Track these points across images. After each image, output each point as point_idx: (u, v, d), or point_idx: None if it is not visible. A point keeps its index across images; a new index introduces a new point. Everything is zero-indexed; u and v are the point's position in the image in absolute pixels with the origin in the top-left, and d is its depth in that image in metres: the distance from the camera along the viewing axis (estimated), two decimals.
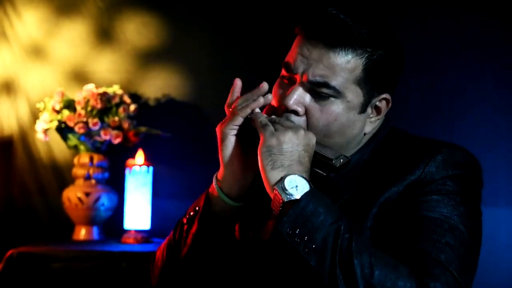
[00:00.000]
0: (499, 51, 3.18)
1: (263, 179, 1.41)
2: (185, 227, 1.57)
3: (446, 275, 1.32)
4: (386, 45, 1.50)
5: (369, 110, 1.54)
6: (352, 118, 1.51)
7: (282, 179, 1.37)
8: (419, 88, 3.16)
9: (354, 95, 1.49)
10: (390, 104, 1.56)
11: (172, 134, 3.29)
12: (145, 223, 3.13)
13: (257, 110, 1.50)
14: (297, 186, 1.36)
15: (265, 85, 1.50)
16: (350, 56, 1.47)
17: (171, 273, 1.61)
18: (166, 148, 3.32)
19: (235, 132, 1.49)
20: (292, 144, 1.40)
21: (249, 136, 1.48)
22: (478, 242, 1.45)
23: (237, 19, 3.36)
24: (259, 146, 1.42)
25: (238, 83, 1.53)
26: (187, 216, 1.58)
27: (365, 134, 1.56)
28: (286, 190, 1.36)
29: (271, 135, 1.41)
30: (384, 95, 1.54)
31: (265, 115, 1.48)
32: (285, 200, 1.35)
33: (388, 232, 1.43)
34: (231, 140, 1.49)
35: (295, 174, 1.38)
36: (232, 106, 1.49)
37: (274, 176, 1.38)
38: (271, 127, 1.43)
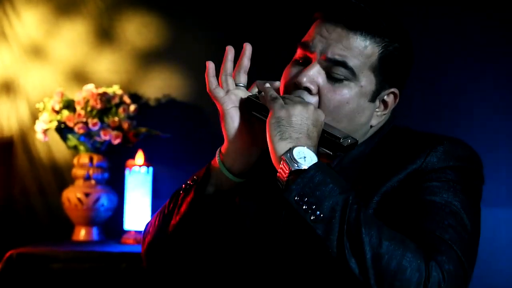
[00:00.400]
0: (499, 51, 3.18)
1: (270, 151, 1.40)
2: (181, 195, 1.57)
3: (451, 252, 1.32)
4: (402, 39, 1.52)
5: (377, 102, 1.55)
6: (362, 105, 1.51)
7: (290, 150, 1.36)
8: (419, 88, 3.16)
9: (368, 81, 1.51)
10: (397, 100, 1.57)
11: (172, 134, 3.29)
12: (145, 224, 3.07)
13: (267, 85, 1.50)
14: (305, 157, 1.35)
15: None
16: (368, 42, 1.49)
17: (161, 240, 1.59)
18: (166, 148, 3.32)
19: (237, 103, 1.49)
20: (302, 117, 1.40)
21: (257, 112, 1.48)
22: (478, 232, 1.44)
23: (238, 19, 3.36)
24: (268, 118, 1.41)
25: (230, 49, 1.52)
26: (185, 185, 1.58)
27: (371, 126, 1.57)
28: (295, 159, 1.34)
29: (280, 107, 1.40)
30: (393, 89, 1.56)
31: (274, 91, 1.48)
32: (293, 169, 1.34)
33: (389, 218, 1.41)
34: (233, 113, 1.49)
35: (304, 146, 1.37)
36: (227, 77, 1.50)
37: (282, 146, 1.37)
38: (280, 100, 1.42)
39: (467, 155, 1.50)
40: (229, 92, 1.50)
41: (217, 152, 1.53)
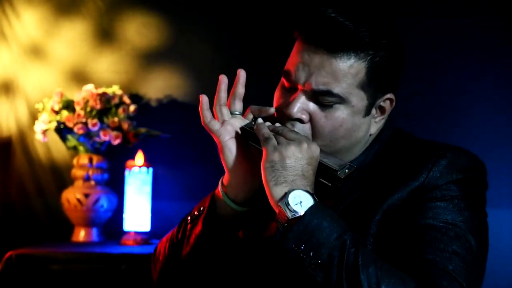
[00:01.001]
0: (499, 51, 3.17)
1: (267, 194, 1.40)
2: (189, 226, 1.57)
3: (454, 286, 1.31)
4: (388, 45, 1.48)
5: (373, 111, 1.53)
6: (357, 122, 1.50)
7: (286, 195, 1.36)
8: (419, 88, 3.15)
9: (358, 99, 1.48)
10: (394, 103, 1.55)
11: (172, 135, 3.28)
12: (144, 225, 3.12)
13: (260, 120, 1.49)
14: (301, 202, 1.35)
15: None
16: (352, 61, 1.45)
17: (172, 270, 1.60)
18: (166, 149, 3.31)
19: (233, 134, 1.49)
20: (295, 159, 1.39)
21: (254, 142, 1.48)
22: (485, 248, 1.43)
23: (239, 19, 3.35)
24: (262, 161, 1.41)
25: (224, 79, 1.51)
26: (192, 215, 1.58)
27: (370, 134, 1.55)
28: (290, 206, 1.35)
29: (273, 150, 1.40)
30: (388, 95, 1.53)
31: (267, 124, 1.48)
32: (290, 217, 1.34)
33: (392, 240, 1.41)
34: (231, 145, 1.49)
35: (299, 189, 1.37)
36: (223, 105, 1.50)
37: (278, 191, 1.38)
38: (273, 141, 1.42)
39: (470, 165, 1.48)
40: (225, 122, 1.50)
41: (220, 183, 1.54)
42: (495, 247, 2.91)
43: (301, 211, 1.34)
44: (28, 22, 3.39)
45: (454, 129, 3.15)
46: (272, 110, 1.52)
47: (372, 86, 1.49)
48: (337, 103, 1.47)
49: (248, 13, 3.35)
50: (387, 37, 1.48)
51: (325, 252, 1.31)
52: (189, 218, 1.58)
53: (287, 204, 1.35)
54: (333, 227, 1.33)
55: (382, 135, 1.57)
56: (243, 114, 1.54)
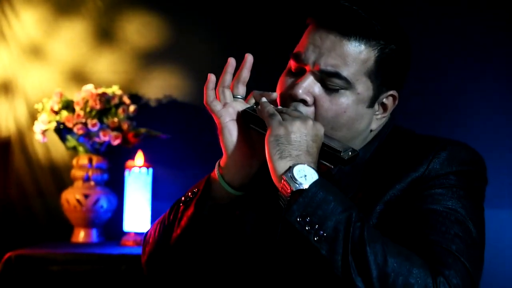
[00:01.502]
0: (499, 51, 3.18)
1: (270, 169, 1.38)
2: (181, 207, 1.55)
3: (458, 265, 1.32)
4: (398, 40, 1.50)
5: (376, 106, 1.54)
6: (360, 112, 1.50)
7: (290, 169, 1.34)
8: (420, 88, 3.15)
9: (364, 87, 1.49)
10: (396, 102, 1.56)
11: (172, 135, 3.28)
12: (144, 226, 3.11)
13: (264, 99, 1.49)
14: (306, 176, 1.34)
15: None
16: (363, 47, 1.47)
17: (161, 253, 1.59)
18: (166, 149, 3.31)
19: (234, 116, 1.48)
20: (301, 134, 1.38)
21: (255, 125, 1.47)
22: (483, 237, 1.44)
23: (239, 19, 3.35)
24: (266, 136, 1.40)
25: (232, 62, 1.50)
26: (185, 198, 1.57)
27: (371, 131, 1.56)
28: (295, 179, 1.33)
29: (278, 125, 1.39)
30: (391, 92, 1.54)
31: (271, 105, 1.46)
32: (294, 189, 1.33)
33: (393, 229, 1.41)
34: (231, 126, 1.48)
35: (304, 163, 1.35)
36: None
37: (282, 165, 1.36)
38: (278, 117, 1.41)
39: (469, 158, 1.49)
40: (227, 105, 1.49)
41: (216, 165, 1.53)
42: (495, 247, 2.96)
43: (305, 184, 1.33)
44: (28, 22, 3.39)
45: (454, 129, 3.16)
46: (274, 95, 1.51)
47: (379, 77, 1.50)
48: (343, 88, 1.47)
49: (248, 13, 3.35)
50: (398, 32, 1.51)
51: (330, 225, 1.30)
52: (182, 199, 1.57)
53: (292, 177, 1.33)
54: (339, 201, 1.32)
55: (382, 132, 1.58)
56: (245, 99, 1.54)
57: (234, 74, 1.52)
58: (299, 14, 1.56)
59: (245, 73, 1.51)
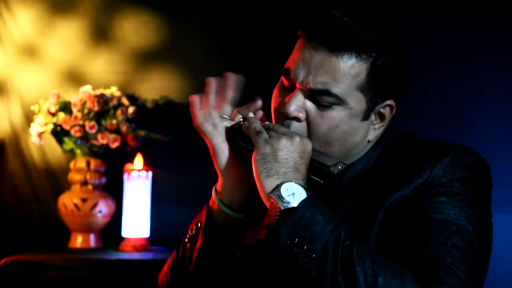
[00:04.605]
0: (506, 53, 3.16)
1: (258, 188, 1.39)
2: (188, 245, 1.56)
3: (453, 278, 1.29)
4: (391, 49, 1.48)
5: (372, 117, 1.53)
6: (354, 126, 1.49)
7: (278, 187, 1.35)
8: (425, 92, 3.14)
9: (357, 102, 1.48)
10: (394, 111, 1.55)
11: (171, 137, 3.26)
12: (144, 230, 3.10)
13: (251, 114, 1.49)
14: (294, 194, 1.34)
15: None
16: (353, 61, 1.45)
17: None
18: (166, 152, 3.30)
19: (225, 137, 1.49)
20: (288, 151, 1.39)
21: (242, 142, 1.47)
22: (488, 245, 1.42)
23: (238, 19, 3.34)
24: (253, 154, 1.41)
25: (211, 81, 1.51)
26: (189, 234, 1.57)
27: (368, 141, 1.55)
28: (283, 198, 1.33)
29: (265, 143, 1.40)
30: (388, 102, 1.53)
31: (258, 121, 1.48)
32: (282, 208, 1.33)
33: (395, 236, 1.40)
34: (224, 147, 1.48)
35: (291, 181, 1.36)
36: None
37: (269, 184, 1.36)
38: (265, 134, 1.42)
39: (474, 163, 1.47)
40: (216, 125, 1.50)
41: (213, 191, 1.54)
42: (503, 253, 2.94)
43: (294, 203, 1.32)
44: (23, 21, 3.37)
45: (459, 135, 3.13)
46: (259, 102, 1.53)
47: (372, 90, 1.48)
48: (335, 104, 1.46)
49: (246, 14, 3.34)
50: (392, 41, 1.48)
51: (319, 246, 1.29)
52: (186, 237, 1.58)
53: (279, 196, 1.33)
54: (327, 220, 1.32)
55: (383, 138, 1.57)
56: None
57: (216, 92, 1.53)
58: (292, 23, 1.55)
59: (230, 93, 1.52)
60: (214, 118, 1.50)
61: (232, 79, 1.51)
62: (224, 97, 1.52)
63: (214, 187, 1.53)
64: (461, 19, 3.17)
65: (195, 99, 1.50)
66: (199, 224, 1.54)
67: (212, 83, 1.51)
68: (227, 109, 1.52)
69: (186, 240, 1.57)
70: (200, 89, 1.52)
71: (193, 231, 1.56)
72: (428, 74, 3.14)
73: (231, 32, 3.33)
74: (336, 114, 1.46)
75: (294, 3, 3.21)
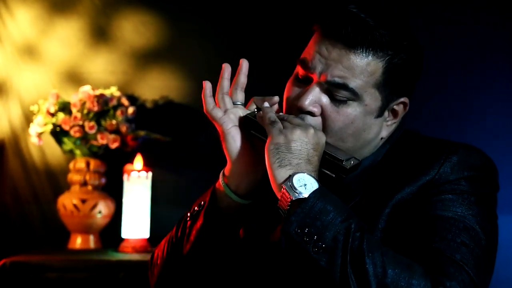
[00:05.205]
0: (508, 52, 3.16)
1: (270, 178, 1.39)
2: (189, 223, 1.56)
3: (462, 274, 1.31)
4: (408, 48, 1.49)
5: (386, 113, 1.54)
6: (368, 122, 1.50)
7: (290, 177, 1.35)
8: (432, 91, 3.12)
9: (372, 99, 1.49)
10: (407, 108, 1.56)
11: (172, 138, 3.25)
12: (143, 231, 3.09)
13: (266, 104, 1.49)
14: (306, 185, 1.34)
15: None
16: (370, 58, 1.46)
17: (172, 271, 1.59)
18: (166, 152, 3.29)
19: (236, 122, 1.49)
20: (301, 142, 1.39)
21: (256, 131, 1.47)
22: (494, 244, 1.43)
23: (238, 19, 3.34)
24: (266, 144, 1.41)
25: (227, 67, 1.52)
26: (191, 212, 1.57)
27: (381, 138, 1.55)
28: (295, 188, 1.34)
29: (279, 133, 1.40)
30: (402, 99, 1.54)
31: (273, 112, 1.48)
32: (293, 198, 1.33)
33: (400, 233, 1.41)
34: (235, 133, 1.48)
35: (304, 172, 1.36)
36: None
37: (282, 174, 1.37)
38: (279, 124, 1.42)
39: (481, 164, 1.48)
40: (227, 111, 1.50)
41: (221, 175, 1.53)
42: (508, 253, 2.92)
43: (305, 193, 1.33)
44: (22, 21, 3.36)
45: (459, 135, 3.10)
46: (276, 98, 1.53)
47: (388, 87, 1.49)
48: (351, 100, 1.47)
49: (247, 14, 3.33)
50: (408, 40, 1.49)
51: (329, 236, 1.30)
52: (188, 214, 1.57)
53: (291, 186, 1.34)
54: (338, 211, 1.32)
55: (393, 136, 1.58)
56: (245, 105, 1.54)
57: (230, 79, 1.53)
58: (303, 19, 1.58)
59: (242, 79, 1.53)
60: (227, 104, 1.50)
61: (246, 65, 1.51)
62: (237, 84, 1.52)
63: (222, 171, 1.52)
64: (461, 19, 3.17)
65: (207, 85, 1.50)
66: (202, 203, 1.54)
67: (228, 69, 1.51)
68: (240, 95, 1.52)
69: (188, 217, 1.56)
70: (200, 89, 1.52)
71: (196, 210, 1.55)
72: (428, 74, 3.13)
73: (231, 32, 3.33)
74: (352, 110, 1.47)
75: (294, 3, 3.20)
